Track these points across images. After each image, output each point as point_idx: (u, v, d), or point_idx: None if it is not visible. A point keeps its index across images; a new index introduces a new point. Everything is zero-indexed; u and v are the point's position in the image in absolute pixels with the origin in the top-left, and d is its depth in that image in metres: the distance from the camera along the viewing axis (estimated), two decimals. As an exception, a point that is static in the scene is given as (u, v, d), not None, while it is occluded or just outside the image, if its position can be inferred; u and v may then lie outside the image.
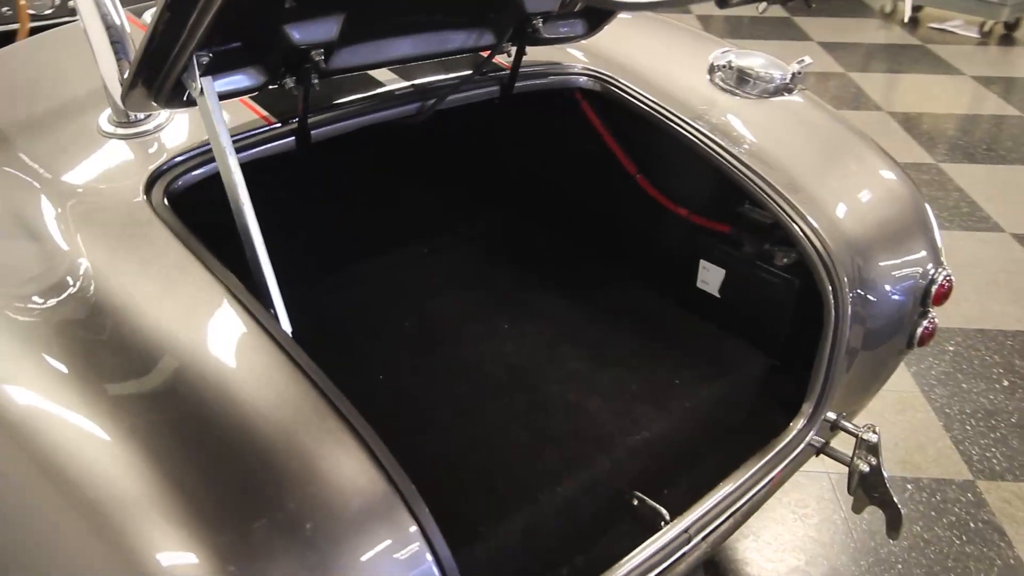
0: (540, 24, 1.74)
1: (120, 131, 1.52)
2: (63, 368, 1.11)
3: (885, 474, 1.80)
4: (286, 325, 1.33)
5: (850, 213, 1.80)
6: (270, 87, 1.47)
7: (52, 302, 1.21)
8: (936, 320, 1.91)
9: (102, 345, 1.15)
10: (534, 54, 1.98)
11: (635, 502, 1.60)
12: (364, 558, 1.05)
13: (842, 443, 1.84)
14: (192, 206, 1.46)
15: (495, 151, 2.40)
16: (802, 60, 2.13)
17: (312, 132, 1.60)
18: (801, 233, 1.74)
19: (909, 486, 2.57)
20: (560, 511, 1.52)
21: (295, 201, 2.07)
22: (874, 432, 1.78)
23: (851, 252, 1.74)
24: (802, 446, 1.73)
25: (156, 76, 1.27)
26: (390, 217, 2.24)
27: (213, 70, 1.33)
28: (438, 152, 2.29)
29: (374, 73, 1.77)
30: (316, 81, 1.48)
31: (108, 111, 1.54)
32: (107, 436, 1.05)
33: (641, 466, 1.65)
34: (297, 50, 1.38)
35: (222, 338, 1.19)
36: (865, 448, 1.80)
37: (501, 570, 1.44)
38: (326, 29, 1.40)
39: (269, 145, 1.56)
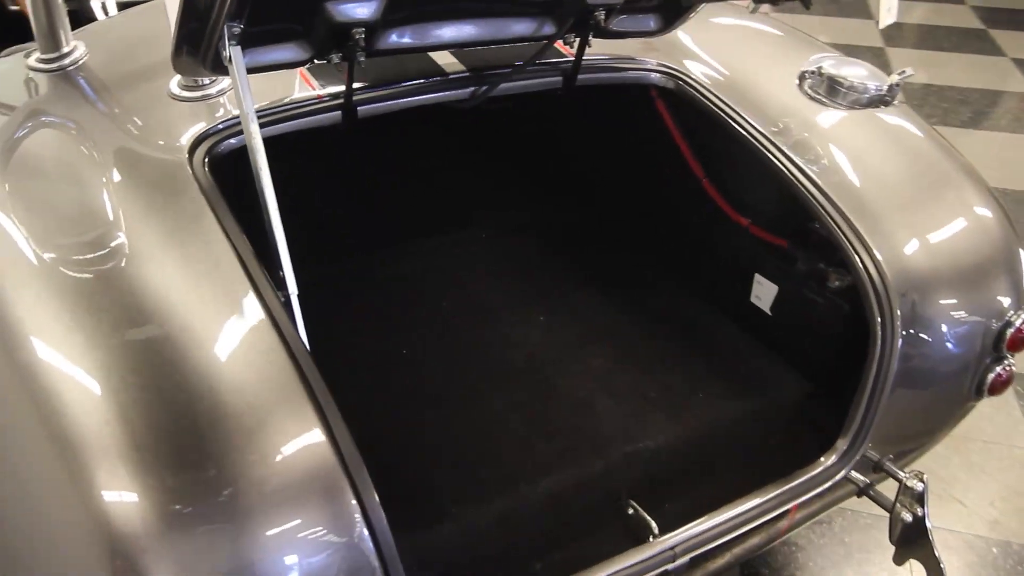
0: (602, 16, 1.71)
1: (185, 94, 1.65)
2: (67, 307, 1.22)
3: (929, 525, 1.66)
4: (293, 288, 1.39)
5: (920, 244, 1.66)
6: (316, 62, 1.54)
7: (80, 243, 1.33)
8: (1013, 367, 1.72)
9: (107, 289, 1.25)
10: (611, 47, 1.95)
11: (629, 510, 1.56)
12: (294, 523, 1.09)
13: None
14: (235, 170, 1.56)
15: (560, 142, 2.39)
16: (903, 71, 1.97)
17: (359, 109, 1.66)
18: (857, 258, 1.62)
19: (995, 549, 2.33)
20: (542, 505, 1.51)
21: (359, 174, 2.16)
22: (920, 480, 1.64)
23: (910, 286, 1.61)
24: (830, 482, 1.62)
25: (197, 43, 1.37)
26: (450, 198, 2.28)
27: (254, 42, 1.42)
28: (505, 139, 2.31)
29: (435, 56, 1.81)
30: (363, 59, 1.53)
31: (179, 76, 1.68)
32: (89, 376, 1.15)
33: (640, 474, 1.60)
34: (338, 27, 1.44)
35: (215, 299, 1.27)
36: (909, 496, 1.66)
37: (468, 553, 1.46)
38: (368, 8, 1.44)
39: (316, 117, 1.64)
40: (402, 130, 2.02)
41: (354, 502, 1.13)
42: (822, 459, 1.63)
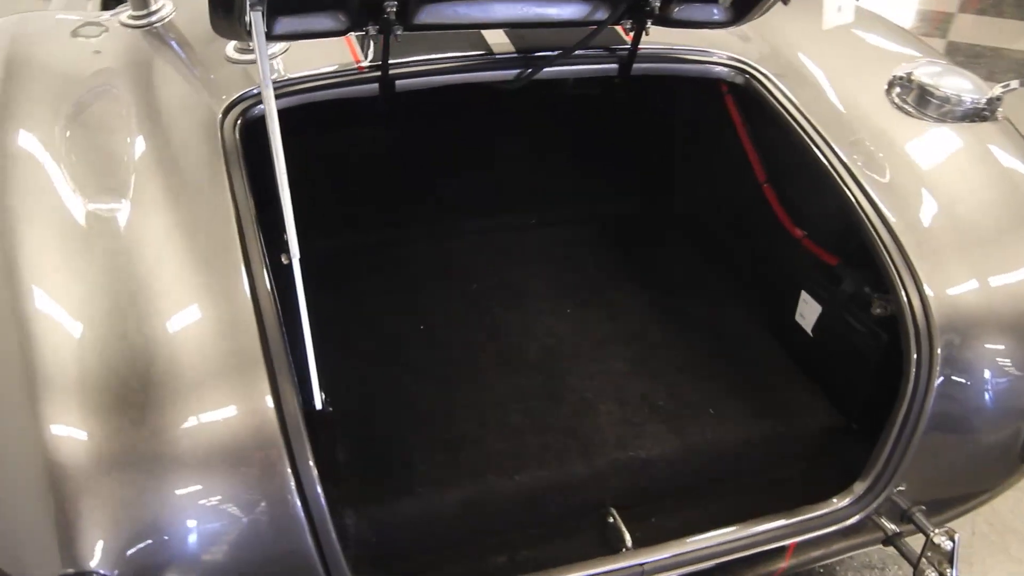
0: (657, 4, 1.63)
1: (237, 56, 1.71)
2: (63, 245, 1.31)
3: (955, 588, 1.50)
4: (295, 252, 1.43)
5: (980, 285, 1.49)
6: (352, 32, 1.56)
7: (97, 186, 1.41)
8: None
9: (103, 231, 1.32)
10: (685, 37, 1.86)
11: (609, 519, 1.51)
12: (222, 484, 1.13)
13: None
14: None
15: (621, 133, 2.29)
16: (1007, 85, 1.76)
17: (398, 82, 1.68)
18: (901, 287, 1.47)
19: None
20: (516, 500, 1.49)
21: (414, 149, 2.16)
22: (951, 539, 1.49)
23: (959, 327, 1.45)
24: (839, 525, 1.50)
25: (229, 7, 1.42)
26: (503, 182, 2.24)
27: (287, 10, 1.45)
28: (564, 126, 2.24)
29: (488, 34, 1.79)
30: (399, 32, 1.54)
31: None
32: (66, 313, 1.22)
33: (628, 484, 1.54)
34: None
35: (202, 255, 1.32)
36: (937, 553, 1.51)
37: (428, 534, 1.46)
38: None
39: (354, 88, 1.67)
40: (459, 109, 2.02)
41: (289, 471, 1.15)
42: (835, 499, 1.51)
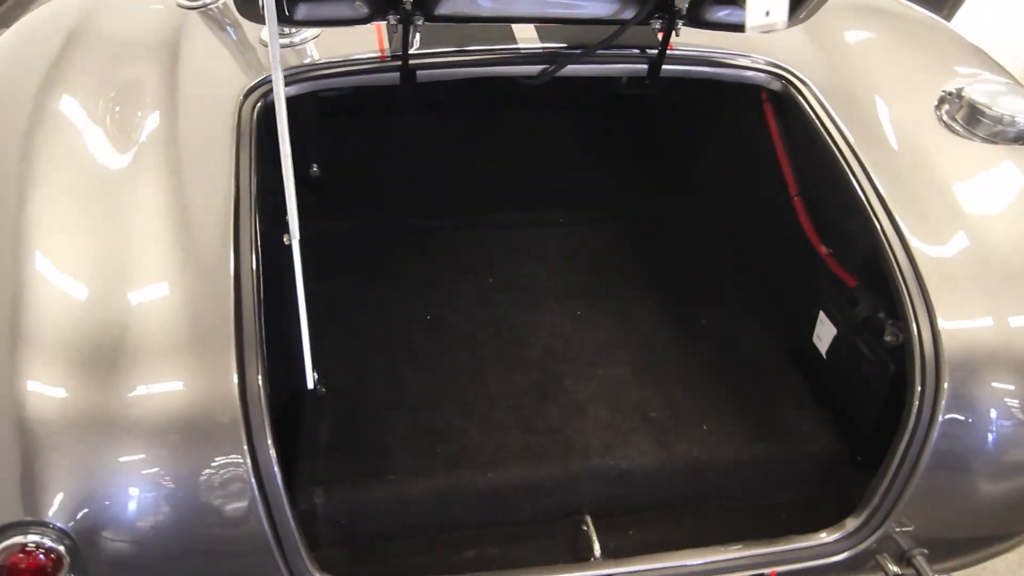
0: (685, 5, 1.58)
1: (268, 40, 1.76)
2: (68, 204, 1.37)
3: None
4: (295, 232, 1.46)
5: (1001, 320, 1.39)
6: (372, 21, 1.58)
7: (112, 151, 1.47)
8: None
9: (106, 193, 1.38)
10: (724, 39, 1.79)
11: (583, 526, 1.48)
12: (180, 455, 1.17)
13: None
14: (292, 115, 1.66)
15: (655, 136, 2.23)
16: (1069, 108, 1.63)
17: (419, 72, 1.69)
18: (912, 317, 1.39)
19: None
20: (488, 496, 1.48)
21: (443, 141, 2.16)
22: None
23: (972, 364, 1.36)
24: (826, 560, 1.43)
25: None
26: (531, 179, 2.21)
27: None
28: (599, 128, 2.20)
29: (518, 28, 1.78)
30: (420, 23, 1.55)
31: (268, 24, 1.79)
32: (56, 271, 1.28)
33: (606, 493, 1.51)
34: None
35: (194, 229, 1.36)
36: (934, 601, 1.43)
37: (397, 521, 1.47)
38: None
39: (376, 75, 1.69)
40: (498, 103, 2.01)
41: (245, 448, 1.18)
42: (824, 533, 1.44)
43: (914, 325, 1.39)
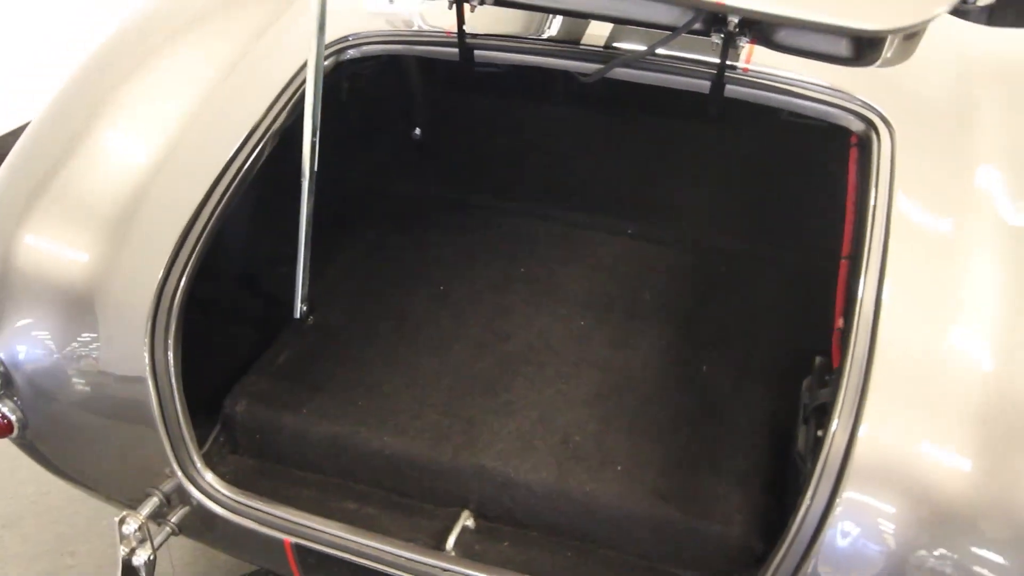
0: (735, 20, 1.44)
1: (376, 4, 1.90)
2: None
3: None
4: (306, 170, 1.60)
5: (937, 439, 1.15)
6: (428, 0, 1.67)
7: None
8: None
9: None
10: (820, 68, 1.59)
11: (460, 521, 1.46)
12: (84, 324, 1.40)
13: None
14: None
15: (732, 160, 2.01)
16: None
17: (476, 52, 1.73)
18: (837, 411, 1.22)
19: None
20: (375, 458, 1.51)
21: (519, 128, 2.13)
22: None
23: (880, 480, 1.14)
24: None
25: None
26: (615, 185, 2.10)
27: None
28: (686, 145, 2.04)
29: (594, 26, 1.74)
30: (477, 4, 1.60)
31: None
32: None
33: (487, 495, 1.46)
34: None
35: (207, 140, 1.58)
36: None
37: (294, 450, 1.56)
38: None
39: (435, 48, 1.78)
40: (610, 105, 1.99)
41: (146, 339, 1.37)
42: None
43: (835, 420, 1.20)
